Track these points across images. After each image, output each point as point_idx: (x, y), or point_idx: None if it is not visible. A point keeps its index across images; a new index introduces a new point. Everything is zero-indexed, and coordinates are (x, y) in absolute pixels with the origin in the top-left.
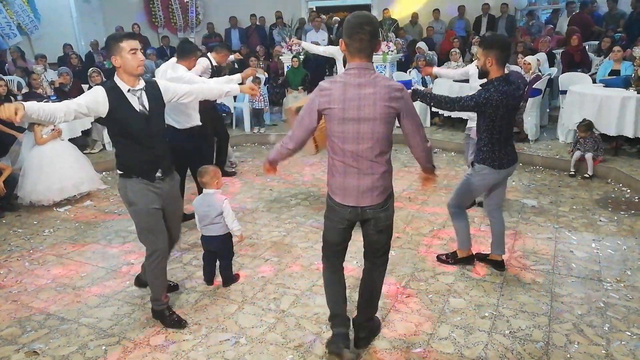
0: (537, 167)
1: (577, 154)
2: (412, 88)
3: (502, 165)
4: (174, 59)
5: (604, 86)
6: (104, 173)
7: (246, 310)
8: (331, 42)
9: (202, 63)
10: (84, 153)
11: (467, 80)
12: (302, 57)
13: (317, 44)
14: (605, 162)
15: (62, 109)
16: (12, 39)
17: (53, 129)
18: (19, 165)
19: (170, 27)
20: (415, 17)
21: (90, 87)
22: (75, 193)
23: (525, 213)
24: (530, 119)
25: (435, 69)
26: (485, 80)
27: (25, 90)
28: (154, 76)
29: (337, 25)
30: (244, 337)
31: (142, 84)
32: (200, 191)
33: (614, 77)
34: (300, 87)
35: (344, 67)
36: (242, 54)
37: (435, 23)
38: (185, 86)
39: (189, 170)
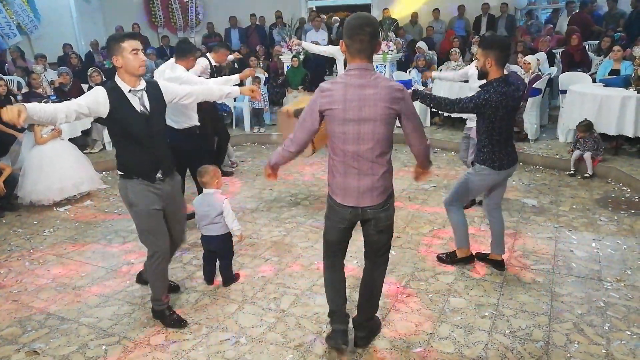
0: (537, 166)
1: (576, 153)
2: (412, 88)
3: (502, 166)
4: (173, 60)
5: (604, 86)
6: (104, 173)
7: (246, 310)
8: (331, 42)
9: (201, 63)
10: (84, 153)
11: (467, 81)
12: (302, 56)
13: (317, 43)
14: (605, 161)
15: (63, 110)
16: (12, 39)
17: (53, 129)
18: (19, 165)
19: (170, 27)
20: (415, 16)
21: (90, 87)
22: (75, 193)
23: (526, 212)
24: (530, 119)
25: (435, 74)
26: (484, 81)
27: (25, 90)
28: (153, 76)
29: (337, 24)
30: (244, 336)
31: (143, 84)
32: (200, 191)
33: (614, 76)
34: (300, 87)
35: (345, 67)
36: (242, 54)
37: (435, 23)
38: (187, 87)
39: (188, 171)
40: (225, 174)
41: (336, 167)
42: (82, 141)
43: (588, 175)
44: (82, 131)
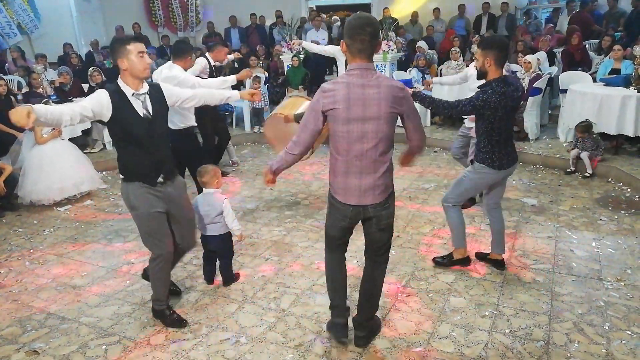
0: (538, 166)
1: (574, 152)
2: (412, 89)
3: (502, 165)
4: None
5: (604, 85)
6: (104, 172)
7: (246, 310)
8: (331, 41)
9: (200, 63)
10: (84, 152)
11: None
12: (302, 56)
13: (317, 43)
14: (605, 161)
15: (68, 112)
16: (12, 39)
17: (53, 129)
18: (19, 164)
19: (170, 27)
20: (415, 16)
21: (90, 87)
22: (76, 192)
23: (526, 212)
24: (530, 118)
25: (436, 79)
26: (484, 81)
27: (25, 89)
28: (152, 77)
29: (337, 24)
30: (244, 336)
31: (146, 87)
32: (199, 191)
33: (614, 75)
34: (300, 87)
35: (345, 67)
36: (242, 54)
37: (435, 22)
38: (189, 91)
39: (187, 171)
40: (222, 173)
41: (338, 166)
42: (83, 141)
43: (588, 175)
44: (82, 131)
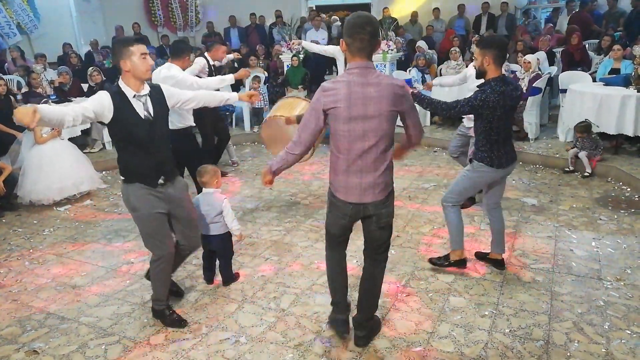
0: (537, 165)
1: (572, 151)
2: (411, 89)
3: (500, 164)
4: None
5: (604, 85)
6: (103, 172)
7: (246, 309)
8: (331, 41)
9: (199, 63)
10: (84, 152)
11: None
12: (301, 56)
13: (316, 42)
14: (605, 160)
15: (70, 113)
16: (11, 39)
17: (52, 128)
18: (19, 164)
19: (170, 26)
20: (415, 15)
21: (90, 86)
22: (75, 192)
23: (525, 212)
24: (530, 118)
25: (436, 81)
26: (482, 80)
27: (25, 89)
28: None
29: (337, 23)
30: (244, 336)
31: (147, 88)
32: (199, 191)
33: (614, 75)
34: (300, 86)
35: (345, 66)
36: (242, 53)
37: (435, 22)
38: (189, 92)
39: (186, 171)
40: (221, 173)
41: (339, 164)
42: (82, 141)
43: (587, 174)
44: (81, 131)
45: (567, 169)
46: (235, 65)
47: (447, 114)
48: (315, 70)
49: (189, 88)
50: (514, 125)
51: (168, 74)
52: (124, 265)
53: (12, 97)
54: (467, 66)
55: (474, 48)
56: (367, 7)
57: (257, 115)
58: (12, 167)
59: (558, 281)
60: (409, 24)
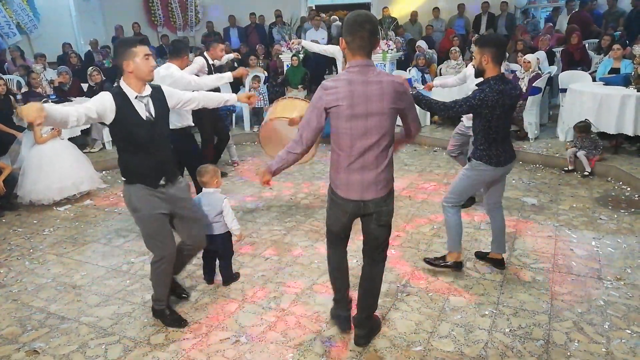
0: (537, 165)
1: (571, 150)
2: (411, 88)
3: (499, 163)
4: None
5: (603, 84)
6: (103, 172)
7: (246, 309)
8: (330, 41)
9: (198, 62)
10: (84, 152)
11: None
12: (301, 55)
13: (316, 42)
14: (605, 160)
15: (73, 113)
16: (11, 38)
17: (52, 128)
18: (19, 164)
19: (170, 26)
20: (414, 15)
21: (90, 86)
22: (75, 192)
23: (525, 211)
24: (530, 118)
25: (437, 82)
26: (481, 79)
27: (24, 89)
28: None
29: (336, 22)
30: (244, 335)
31: (148, 89)
32: (199, 190)
33: (614, 75)
34: (300, 86)
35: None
36: (242, 53)
37: (434, 21)
38: (188, 93)
39: (186, 170)
40: (221, 174)
41: (340, 162)
42: (82, 140)
43: (587, 174)
44: (81, 130)
45: (566, 169)
46: (235, 65)
47: (446, 114)
48: (315, 70)
49: (187, 86)
50: (513, 124)
51: (166, 73)
52: (124, 265)
53: (12, 97)
54: (466, 66)
55: (473, 47)
56: (367, 6)
57: (257, 115)
58: (12, 167)
59: (558, 281)
60: (408, 24)
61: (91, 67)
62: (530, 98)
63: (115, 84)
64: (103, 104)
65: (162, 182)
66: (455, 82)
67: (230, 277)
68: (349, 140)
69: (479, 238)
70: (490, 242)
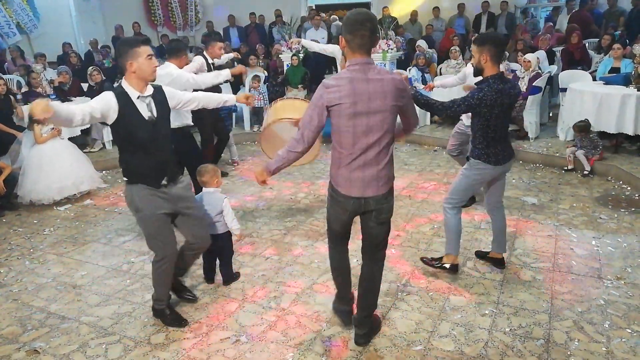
0: (537, 164)
1: (570, 149)
2: (410, 87)
3: (497, 161)
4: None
5: (604, 84)
6: (103, 172)
7: (246, 309)
8: (330, 40)
9: (197, 61)
10: (84, 152)
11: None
12: (301, 55)
13: (316, 42)
14: (605, 159)
15: (79, 112)
16: (11, 38)
17: (52, 128)
18: (19, 164)
19: (170, 26)
20: (414, 15)
21: (90, 86)
22: (75, 192)
23: (526, 211)
24: (530, 117)
25: (437, 82)
26: (480, 78)
27: (24, 89)
28: None
29: (337, 22)
30: (245, 335)
31: (150, 89)
32: (198, 190)
33: (614, 74)
34: (300, 85)
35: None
36: (242, 53)
37: (435, 21)
38: (188, 94)
39: (185, 170)
40: (221, 174)
41: (342, 159)
42: (82, 140)
43: (586, 172)
44: (81, 130)
45: (566, 168)
46: (235, 64)
47: (444, 113)
48: (315, 70)
49: (185, 85)
50: (514, 124)
51: (164, 72)
52: (124, 264)
53: (12, 97)
54: (466, 65)
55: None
56: (367, 6)
57: (257, 115)
58: (12, 166)
59: (558, 280)
60: (408, 23)
61: (91, 67)
62: (530, 97)
63: (116, 84)
64: (106, 104)
65: (164, 182)
66: (456, 81)
67: (230, 276)
68: (351, 138)
69: (479, 237)
70: (491, 241)
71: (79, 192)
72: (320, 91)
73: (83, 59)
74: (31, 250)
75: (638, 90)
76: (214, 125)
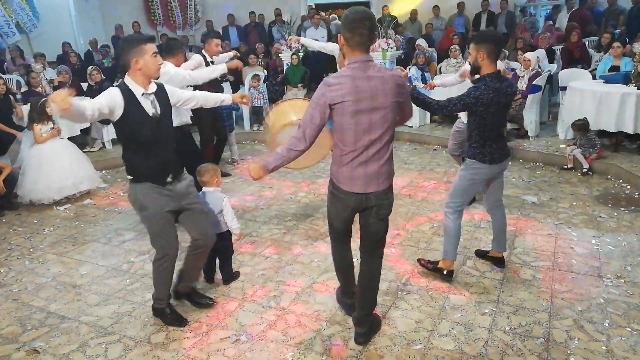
0: (537, 163)
1: (570, 148)
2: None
3: (493, 160)
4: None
5: (603, 82)
6: (103, 171)
7: (246, 308)
8: (330, 39)
9: (195, 59)
10: (84, 151)
11: None
12: (301, 54)
13: (315, 40)
14: (605, 158)
15: (89, 107)
16: (11, 38)
17: (52, 128)
18: (19, 164)
19: (169, 25)
20: (414, 13)
21: (89, 85)
22: (75, 192)
23: (525, 209)
24: (530, 116)
25: (438, 81)
26: (477, 76)
27: (24, 89)
28: None
29: (336, 21)
30: (245, 334)
31: (154, 87)
32: (198, 190)
33: (614, 73)
34: (299, 85)
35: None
36: (241, 52)
37: (434, 20)
38: (188, 92)
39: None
40: (221, 174)
41: (344, 156)
42: (82, 140)
43: (585, 170)
44: (81, 130)
45: (566, 167)
46: None
47: (441, 112)
48: (314, 69)
49: (182, 81)
50: (514, 123)
51: (162, 70)
52: (124, 264)
53: (11, 97)
54: (466, 63)
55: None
56: (366, 5)
57: (256, 114)
58: (12, 166)
59: (558, 279)
60: (408, 22)
61: (91, 67)
62: (530, 96)
63: (117, 82)
64: (113, 100)
65: (169, 179)
66: (456, 80)
67: (230, 276)
68: (353, 136)
69: (479, 236)
70: (491, 240)
71: (78, 192)
72: (322, 89)
73: (83, 58)
74: (31, 250)
75: (638, 89)
76: (213, 125)
